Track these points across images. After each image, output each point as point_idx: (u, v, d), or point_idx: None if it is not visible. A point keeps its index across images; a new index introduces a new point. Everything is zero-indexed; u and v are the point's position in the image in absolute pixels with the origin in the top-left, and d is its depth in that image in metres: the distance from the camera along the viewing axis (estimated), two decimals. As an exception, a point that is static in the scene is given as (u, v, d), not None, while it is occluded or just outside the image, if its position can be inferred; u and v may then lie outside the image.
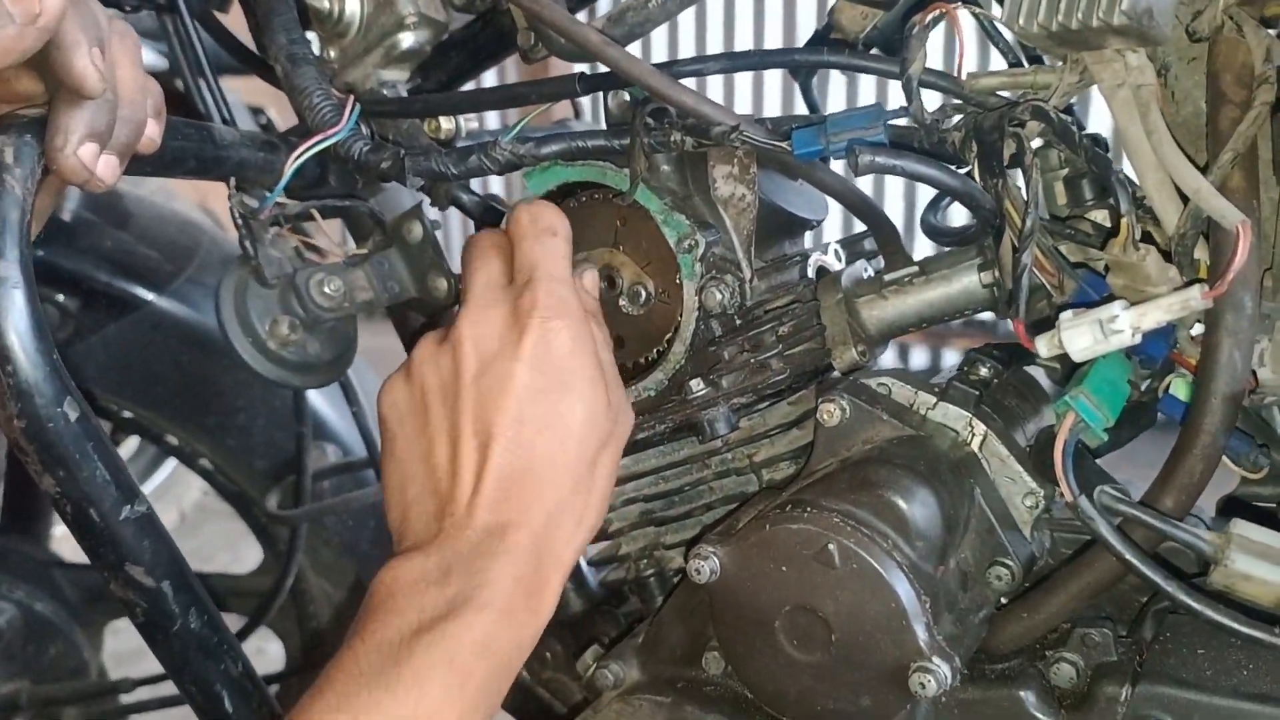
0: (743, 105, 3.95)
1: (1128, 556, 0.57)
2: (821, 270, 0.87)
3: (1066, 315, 0.59)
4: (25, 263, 0.59)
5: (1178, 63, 0.69)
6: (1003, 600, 0.70)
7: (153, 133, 0.71)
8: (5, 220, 0.58)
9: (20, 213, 0.59)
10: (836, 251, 0.90)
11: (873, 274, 0.82)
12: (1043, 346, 0.60)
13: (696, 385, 0.80)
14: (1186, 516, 0.75)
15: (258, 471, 1.28)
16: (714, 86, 3.86)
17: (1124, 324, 0.57)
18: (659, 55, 3.91)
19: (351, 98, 0.83)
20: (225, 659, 0.68)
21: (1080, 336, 0.58)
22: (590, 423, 0.70)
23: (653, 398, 0.82)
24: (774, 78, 3.82)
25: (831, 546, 0.63)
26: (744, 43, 3.89)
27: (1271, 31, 0.69)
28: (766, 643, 0.66)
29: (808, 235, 0.92)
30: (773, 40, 3.82)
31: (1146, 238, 0.61)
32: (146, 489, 2.62)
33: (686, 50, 3.99)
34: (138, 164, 0.75)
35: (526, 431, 0.68)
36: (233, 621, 1.41)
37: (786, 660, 0.66)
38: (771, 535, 0.65)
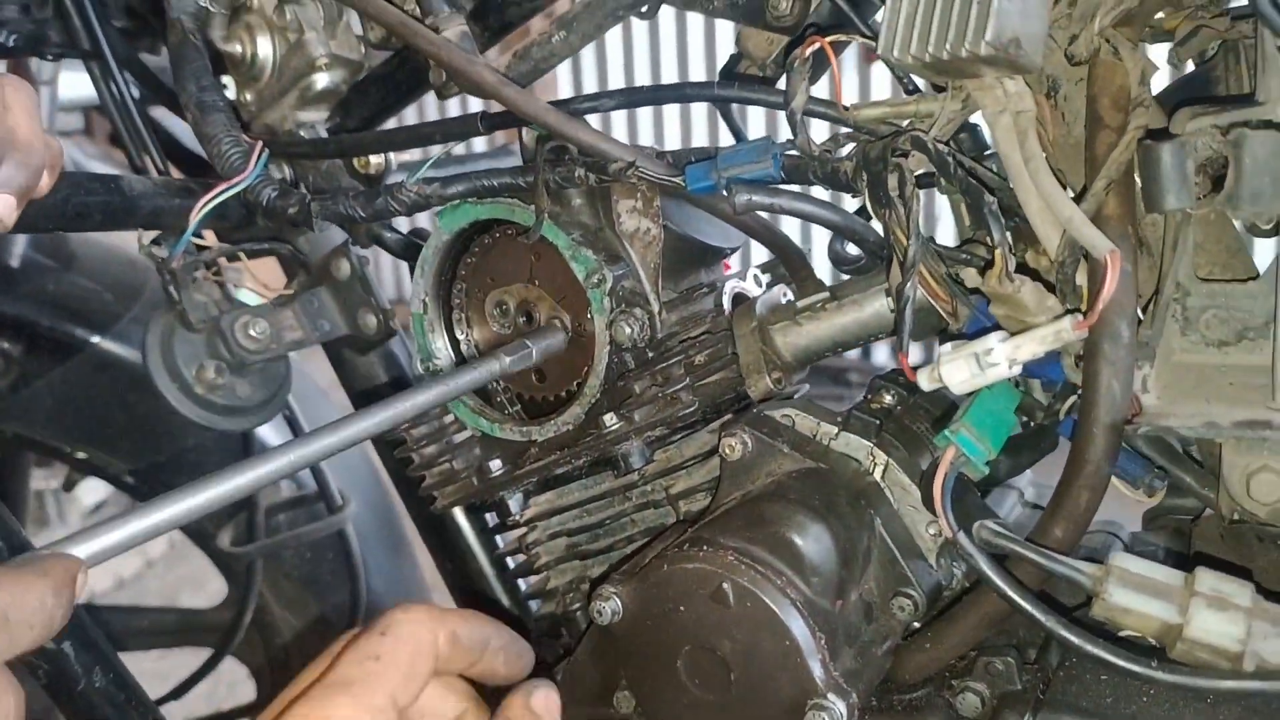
0: (671, 127, 3.96)
1: (1007, 592, 0.56)
2: (740, 297, 0.87)
3: (945, 349, 0.59)
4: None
5: (1067, 83, 0.68)
6: (915, 625, 0.70)
7: (44, 182, 0.71)
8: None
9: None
10: (756, 277, 0.89)
11: (789, 299, 0.82)
12: (924, 380, 0.59)
13: (610, 420, 0.79)
14: (1107, 537, 0.75)
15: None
16: (644, 113, 3.86)
17: (999, 356, 0.57)
18: (589, 86, 3.93)
19: (260, 144, 0.83)
20: (134, 716, 0.68)
21: (958, 370, 0.57)
22: None
23: (570, 432, 0.82)
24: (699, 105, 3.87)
25: (726, 585, 0.62)
26: (669, 69, 3.91)
27: (1158, 46, 0.69)
28: (670, 682, 0.66)
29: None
30: (696, 64, 3.84)
31: (1022, 268, 0.61)
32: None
33: (615, 80, 4.01)
34: (44, 221, 0.76)
35: None
36: (202, 654, 1.42)
37: (690, 699, 0.66)
38: (669, 575, 0.65)
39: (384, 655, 0.54)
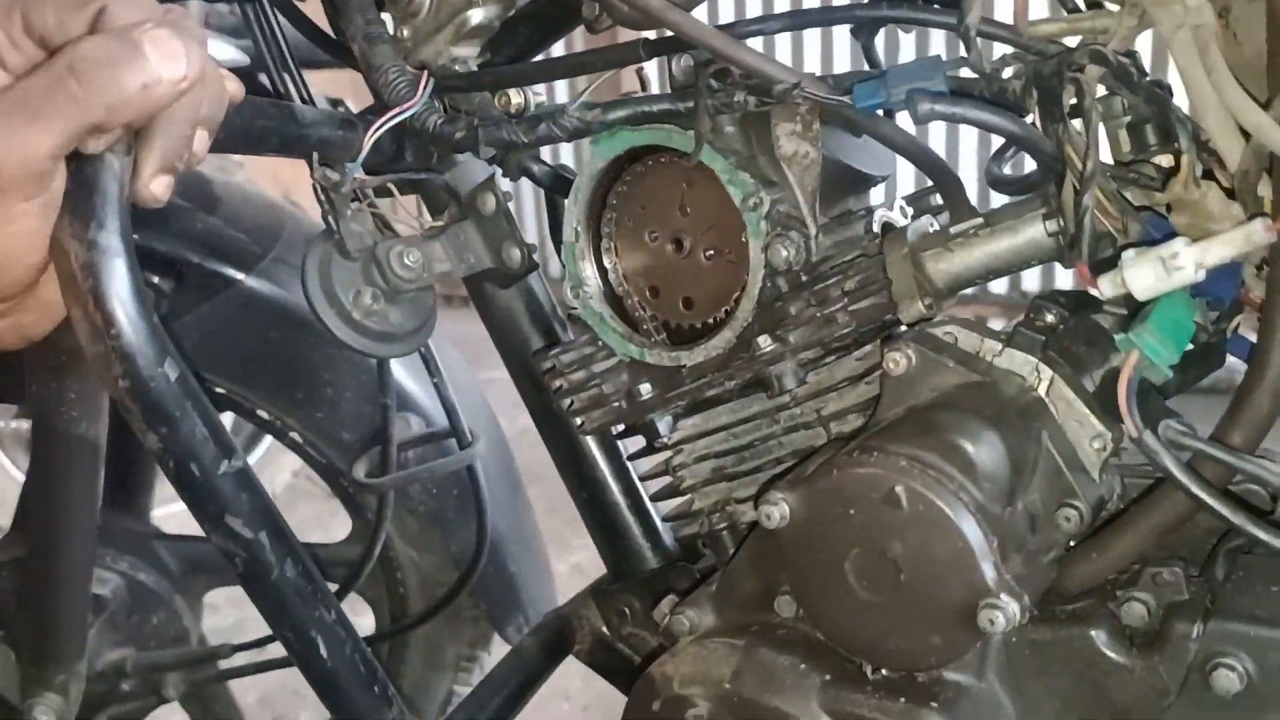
0: (811, 59, 3.93)
1: (1195, 490, 0.57)
2: (887, 226, 0.88)
3: (1129, 254, 0.60)
4: (125, 233, 0.63)
5: (1239, 2, 0.68)
6: (1073, 542, 0.71)
7: (233, 89, 0.74)
8: (106, 193, 0.62)
9: (119, 186, 0.63)
10: (902, 208, 0.90)
11: (938, 228, 0.83)
12: (1106, 286, 0.60)
13: (764, 341, 0.81)
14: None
15: (345, 443, 1.33)
16: (782, 48, 3.80)
17: (1186, 260, 0.57)
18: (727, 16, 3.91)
19: (426, 73, 0.86)
20: (320, 606, 0.71)
21: (1143, 274, 0.58)
22: None
23: (721, 356, 0.84)
24: (842, 37, 3.79)
25: (899, 489, 0.64)
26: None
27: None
28: (837, 585, 0.68)
29: (877, 191, 0.93)
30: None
31: (1208, 175, 0.61)
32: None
33: (754, 9, 3.98)
34: (229, 144, 0.79)
35: None
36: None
37: (857, 602, 0.67)
38: (839, 479, 0.67)
39: None
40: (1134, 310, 0.62)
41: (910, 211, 0.90)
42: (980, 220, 0.78)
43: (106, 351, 0.63)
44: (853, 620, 0.68)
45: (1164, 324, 0.60)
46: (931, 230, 0.82)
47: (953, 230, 0.79)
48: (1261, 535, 0.56)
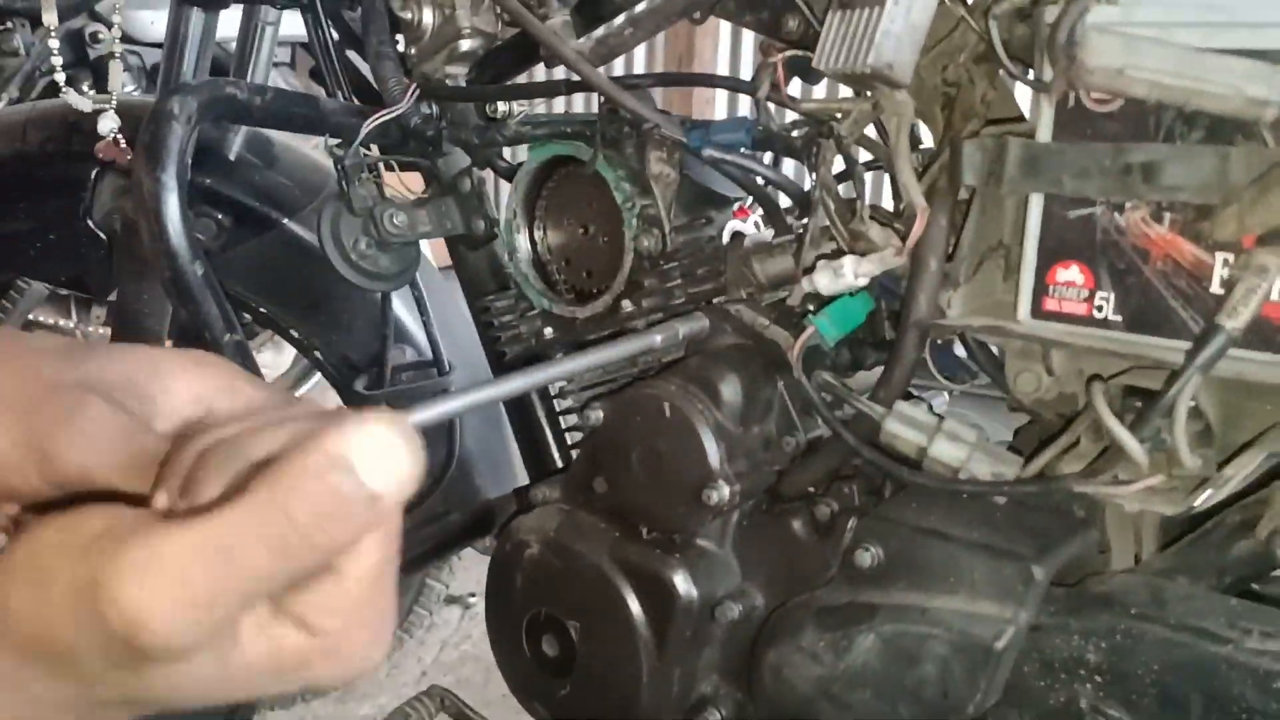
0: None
1: (825, 415, 0.87)
2: (737, 234, 1.19)
3: (820, 263, 0.89)
4: (181, 176, 0.96)
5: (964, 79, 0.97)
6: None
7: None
8: (170, 149, 0.96)
9: (179, 144, 0.96)
10: (757, 224, 1.21)
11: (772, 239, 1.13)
12: (805, 285, 0.90)
13: (626, 305, 1.12)
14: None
15: (352, 362, 1.66)
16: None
17: (847, 271, 0.87)
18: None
19: (414, 84, 1.19)
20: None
21: (822, 279, 0.88)
22: None
23: (601, 314, 1.15)
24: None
25: (665, 404, 0.95)
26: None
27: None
28: (627, 469, 0.99)
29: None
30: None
31: (875, 217, 0.91)
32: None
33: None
34: (262, 121, 1.13)
35: None
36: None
37: (636, 481, 0.98)
38: (632, 396, 0.98)
39: None
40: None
41: (764, 227, 1.20)
42: (792, 236, 1.08)
43: (158, 251, 0.97)
44: (633, 494, 0.99)
45: (836, 312, 0.90)
46: (765, 240, 1.13)
47: (774, 242, 1.09)
48: (846, 434, 0.85)
